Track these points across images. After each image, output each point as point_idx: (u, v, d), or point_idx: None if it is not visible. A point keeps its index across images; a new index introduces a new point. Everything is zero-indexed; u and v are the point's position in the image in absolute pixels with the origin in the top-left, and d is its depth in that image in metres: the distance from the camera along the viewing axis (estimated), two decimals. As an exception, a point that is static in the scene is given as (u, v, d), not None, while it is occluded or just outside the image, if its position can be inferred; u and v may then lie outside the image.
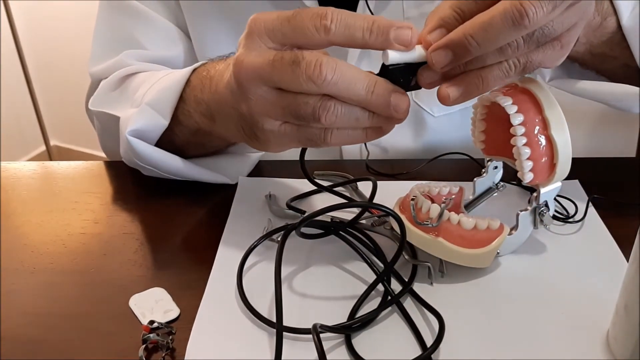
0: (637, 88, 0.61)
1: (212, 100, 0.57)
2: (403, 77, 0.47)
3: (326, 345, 0.47)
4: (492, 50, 0.44)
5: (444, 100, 0.47)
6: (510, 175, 0.61)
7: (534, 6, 0.42)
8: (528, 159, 0.50)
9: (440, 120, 0.79)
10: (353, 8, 0.72)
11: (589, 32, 0.59)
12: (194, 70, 0.62)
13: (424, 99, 0.77)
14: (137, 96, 0.66)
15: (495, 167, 0.61)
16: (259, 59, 0.46)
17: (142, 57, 0.74)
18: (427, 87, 0.48)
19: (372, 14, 0.70)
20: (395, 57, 0.46)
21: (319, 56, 0.45)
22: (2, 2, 2.07)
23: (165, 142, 0.65)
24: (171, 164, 0.65)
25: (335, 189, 0.64)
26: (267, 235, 0.57)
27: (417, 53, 0.46)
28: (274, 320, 0.47)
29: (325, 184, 0.66)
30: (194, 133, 0.63)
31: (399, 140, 0.79)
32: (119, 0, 0.75)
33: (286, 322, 0.47)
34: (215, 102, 0.56)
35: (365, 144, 0.75)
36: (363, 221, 0.58)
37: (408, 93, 0.48)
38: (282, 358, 0.45)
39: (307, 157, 0.80)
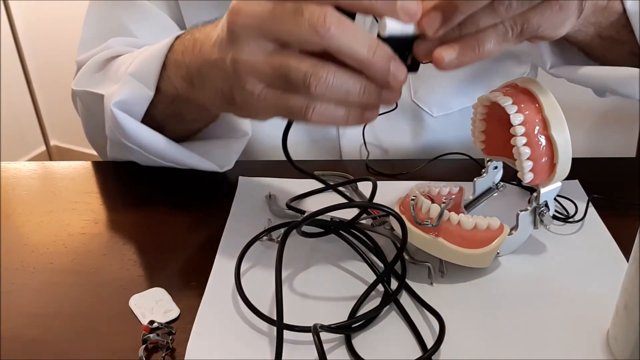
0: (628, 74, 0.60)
1: (193, 61, 0.54)
2: (398, 53, 0.45)
3: (326, 346, 0.47)
4: (483, 9, 0.43)
5: (437, 62, 0.45)
6: (510, 175, 0.61)
7: None
8: (528, 159, 0.50)
9: (440, 120, 0.79)
10: None
11: (597, 12, 0.58)
12: (178, 37, 0.60)
13: (423, 99, 0.77)
14: (121, 71, 0.63)
15: (495, 167, 0.61)
16: (259, 7, 0.44)
17: (131, 45, 0.72)
18: (424, 58, 0.46)
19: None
20: (393, 27, 0.44)
21: (323, 7, 0.42)
22: (2, 2, 2.07)
23: (146, 118, 0.63)
24: (156, 143, 0.63)
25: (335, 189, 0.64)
26: (267, 231, 0.57)
27: (413, 26, 0.45)
28: (274, 318, 0.47)
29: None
30: (172, 101, 0.61)
31: (399, 140, 0.79)
32: None
33: (286, 321, 0.47)
34: (196, 63, 0.53)
35: (365, 145, 0.75)
36: (363, 221, 0.58)
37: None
38: (283, 358, 0.45)
39: (307, 157, 0.81)
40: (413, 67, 0.47)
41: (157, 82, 0.60)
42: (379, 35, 0.45)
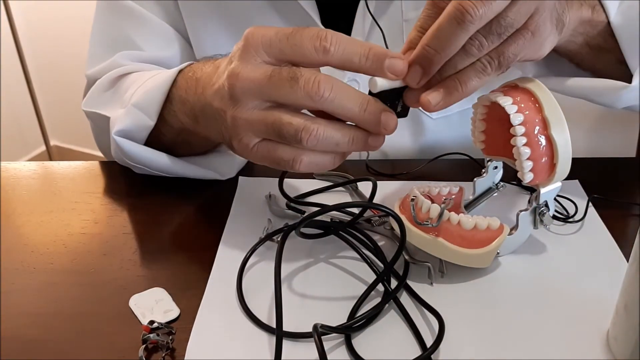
0: (619, 82, 0.62)
1: (196, 102, 0.57)
2: (389, 102, 0.49)
3: (326, 346, 0.47)
4: (454, 53, 0.46)
5: (425, 106, 0.48)
6: (510, 175, 0.61)
7: (473, 3, 0.44)
8: (528, 159, 0.50)
9: (439, 122, 0.79)
10: (353, 10, 0.72)
11: (584, 23, 0.60)
12: (180, 70, 0.62)
13: None
14: (126, 97, 0.66)
15: (495, 167, 0.61)
16: (256, 73, 0.47)
17: (137, 58, 0.75)
18: (413, 105, 0.50)
19: (372, 15, 0.70)
20: (382, 84, 0.48)
21: (316, 73, 0.46)
22: (2, 2, 2.07)
23: (154, 142, 0.66)
24: (159, 161, 0.66)
25: (335, 189, 0.64)
26: (267, 238, 0.57)
27: (398, 80, 0.49)
28: (274, 323, 0.47)
29: (325, 184, 0.66)
30: (179, 132, 0.64)
31: (398, 141, 0.79)
32: (115, 1, 0.75)
33: (286, 322, 0.47)
34: (200, 104, 0.56)
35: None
36: (363, 221, 0.58)
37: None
38: (283, 358, 0.45)
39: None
40: (403, 112, 0.51)
41: (163, 113, 0.63)
42: (370, 92, 0.49)
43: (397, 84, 0.49)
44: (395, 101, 0.50)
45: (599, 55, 0.64)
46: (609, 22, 0.62)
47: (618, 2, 0.62)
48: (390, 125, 0.48)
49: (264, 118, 0.48)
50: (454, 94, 0.48)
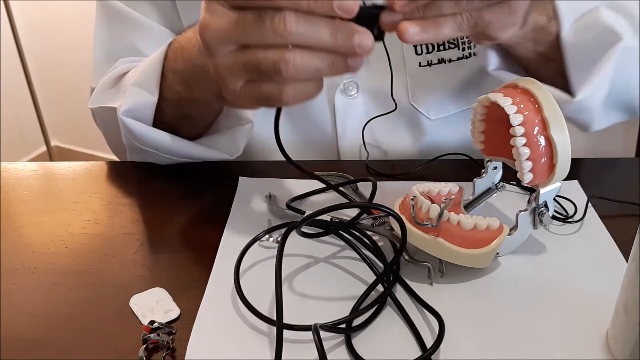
0: (563, 95, 0.65)
1: (185, 67, 0.60)
2: (364, 22, 0.48)
3: (326, 345, 0.47)
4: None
5: (401, 33, 0.49)
6: (510, 176, 0.61)
7: None
8: (527, 159, 0.51)
9: (437, 122, 0.79)
10: None
11: (536, 29, 0.62)
12: (169, 45, 0.65)
13: (421, 102, 0.77)
14: (126, 84, 0.69)
15: (495, 168, 0.61)
16: (223, 20, 0.48)
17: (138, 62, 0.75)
18: (389, 29, 0.50)
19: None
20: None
21: (281, 11, 0.46)
22: (2, 2, 2.07)
23: (159, 123, 0.68)
24: (167, 142, 0.68)
25: (335, 189, 0.65)
26: (267, 232, 0.57)
27: None
28: (274, 318, 0.47)
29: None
30: (178, 104, 0.66)
31: (397, 142, 0.80)
32: (112, 9, 0.76)
33: (286, 321, 0.47)
34: (188, 68, 0.60)
35: (364, 146, 0.75)
36: (363, 221, 0.58)
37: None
38: (283, 358, 0.45)
39: (306, 158, 0.81)
40: (379, 37, 0.50)
41: (162, 90, 0.65)
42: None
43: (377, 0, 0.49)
44: (372, 24, 0.49)
45: (544, 63, 0.67)
46: (558, 35, 0.64)
47: (573, 18, 0.64)
48: (366, 45, 0.48)
49: (240, 60, 0.49)
50: (429, 32, 0.49)
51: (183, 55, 0.61)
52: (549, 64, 0.67)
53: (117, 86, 0.73)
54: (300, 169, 0.61)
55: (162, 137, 0.68)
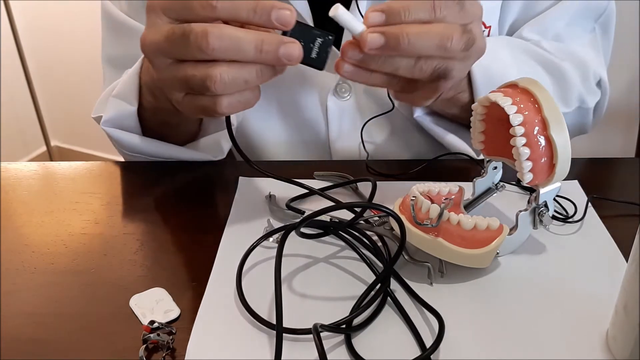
0: (471, 151, 0.72)
1: (149, 79, 0.64)
2: (302, 41, 0.50)
3: (326, 345, 0.47)
4: (409, 58, 0.52)
5: (336, 66, 0.53)
6: (510, 176, 0.61)
7: (456, 37, 0.51)
8: (527, 159, 0.51)
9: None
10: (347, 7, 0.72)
11: (445, 101, 0.68)
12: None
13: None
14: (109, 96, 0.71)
15: (495, 168, 0.61)
16: (157, 35, 0.50)
17: None
18: (343, 56, 0.53)
19: (361, 15, 0.70)
20: (342, 15, 0.50)
21: (205, 27, 0.48)
22: (2, 2, 2.07)
23: (148, 133, 0.71)
24: (149, 146, 0.70)
25: (335, 189, 0.64)
26: (266, 237, 0.57)
27: (359, 29, 0.51)
28: (274, 321, 0.47)
29: (325, 184, 0.67)
30: (154, 113, 0.68)
31: (398, 142, 0.80)
32: (115, 22, 0.77)
33: (286, 322, 0.47)
34: (150, 80, 0.63)
35: (364, 146, 0.75)
36: (362, 221, 0.58)
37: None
38: (283, 358, 0.45)
39: (306, 158, 0.81)
40: (318, 61, 0.52)
41: (141, 100, 0.67)
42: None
43: (352, 26, 0.50)
44: (311, 44, 0.51)
45: (462, 115, 0.72)
46: (467, 104, 0.69)
47: (490, 89, 0.66)
48: (293, 55, 0.50)
49: (175, 75, 0.51)
50: (361, 77, 0.53)
51: (148, 69, 0.63)
52: (457, 120, 0.74)
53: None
54: (255, 168, 0.63)
55: (145, 143, 0.70)
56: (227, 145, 0.73)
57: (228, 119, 0.58)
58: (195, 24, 0.48)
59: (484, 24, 0.74)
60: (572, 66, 0.74)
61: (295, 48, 0.50)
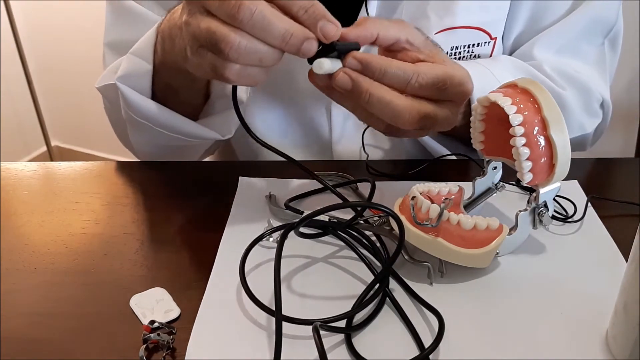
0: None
1: (166, 27, 0.61)
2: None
3: (326, 345, 0.47)
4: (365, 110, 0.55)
5: (334, 76, 0.54)
6: (510, 176, 0.61)
7: (410, 119, 0.54)
8: (527, 159, 0.51)
9: None
10: (355, 13, 0.72)
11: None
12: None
13: None
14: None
15: (495, 168, 0.61)
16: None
17: None
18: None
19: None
20: (327, 67, 0.53)
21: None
22: (2, 2, 2.07)
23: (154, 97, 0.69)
24: (160, 113, 0.68)
25: (335, 189, 0.64)
26: (268, 233, 0.57)
27: (337, 67, 0.54)
28: (273, 323, 0.47)
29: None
30: (159, 69, 0.66)
31: (398, 143, 0.80)
32: (121, 7, 0.76)
33: (286, 321, 0.47)
34: (168, 28, 0.61)
35: (363, 148, 0.75)
36: (362, 221, 0.58)
37: None
38: (283, 358, 0.45)
39: (305, 158, 0.81)
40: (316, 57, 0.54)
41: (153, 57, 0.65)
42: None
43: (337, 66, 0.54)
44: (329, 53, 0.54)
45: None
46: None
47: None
48: (311, 50, 0.51)
49: (199, 23, 0.51)
50: (352, 90, 0.54)
51: (171, 17, 0.61)
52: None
53: None
54: (290, 159, 0.62)
55: (158, 109, 0.68)
56: (235, 124, 0.72)
57: (235, 94, 0.58)
58: None
59: (489, 35, 0.74)
60: (574, 93, 0.74)
61: (313, 45, 0.51)
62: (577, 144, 0.78)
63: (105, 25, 0.79)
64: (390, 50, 0.57)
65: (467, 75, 0.58)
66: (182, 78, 0.65)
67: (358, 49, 0.54)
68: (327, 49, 0.53)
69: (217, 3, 0.50)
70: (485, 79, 0.66)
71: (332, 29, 0.51)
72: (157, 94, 0.69)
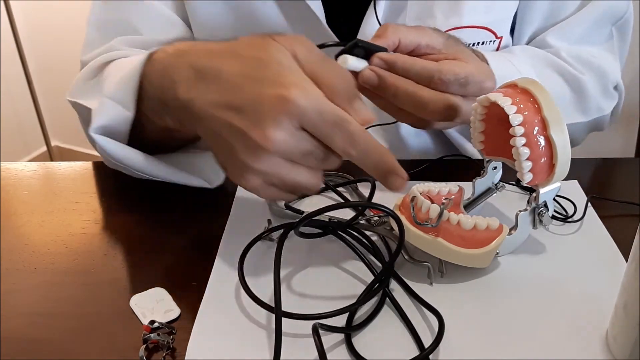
0: None
1: (185, 110, 0.50)
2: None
3: (326, 344, 0.47)
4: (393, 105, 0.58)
5: (361, 73, 0.57)
6: (510, 176, 0.61)
7: (438, 109, 0.57)
8: (527, 159, 0.51)
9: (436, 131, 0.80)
10: (360, 14, 0.72)
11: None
12: (150, 56, 0.57)
13: None
14: (104, 88, 0.62)
15: (495, 168, 0.61)
16: (291, 147, 0.46)
17: (135, 43, 0.72)
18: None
19: (379, 24, 0.70)
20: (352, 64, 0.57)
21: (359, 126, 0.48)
22: (2, 2, 2.07)
23: (141, 138, 0.62)
24: (140, 163, 0.62)
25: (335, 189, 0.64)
26: (268, 232, 0.57)
27: (362, 66, 0.57)
28: (273, 322, 0.47)
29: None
30: (163, 128, 0.58)
31: (398, 143, 0.80)
32: None
33: (285, 321, 0.47)
34: (190, 114, 0.49)
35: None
36: (362, 221, 0.58)
37: None
38: (282, 358, 0.45)
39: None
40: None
41: (143, 109, 0.58)
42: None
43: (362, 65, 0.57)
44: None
45: None
46: None
47: None
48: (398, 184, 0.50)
49: (283, 174, 0.47)
50: (378, 87, 0.57)
51: (175, 93, 0.50)
52: None
53: (97, 77, 0.68)
54: None
55: (138, 159, 0.61)
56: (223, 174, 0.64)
57: None
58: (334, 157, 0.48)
59: (495, 34, 0.75)
60: (592, 77, 0.75)
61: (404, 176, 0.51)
62: (596, 125, 0.79)
63: (92, 4, 0.76)
64: (412, 55, 0.58)
65: (487, 73, 0.59)
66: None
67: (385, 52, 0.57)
68: (353, 48, 0.55)
69: (309, 163, 0.48)
70: (507, 70, 0.67)
71: (399, 181, 0.49)
72: (151, 136, 0.62)
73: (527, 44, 0.80)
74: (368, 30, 0.72)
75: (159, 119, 0.56)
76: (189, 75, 0.49)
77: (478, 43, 0.74)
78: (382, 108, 0.60)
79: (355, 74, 0.56)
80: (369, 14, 0.71)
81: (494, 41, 0.75)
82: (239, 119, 0.45)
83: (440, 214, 0.51)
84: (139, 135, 0.62)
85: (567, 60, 0.75)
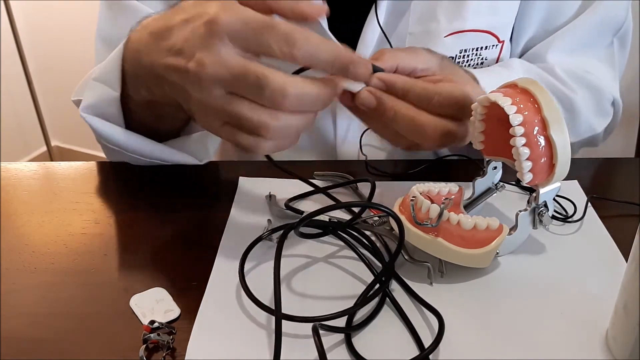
0: None
1: (150, 76, 0.55)
2: None
3: (326, 344, 0.47)
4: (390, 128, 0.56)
5: (357, 94, 0.55)
6: (510, 176, 0.61)
7: (433, 135, 0.55)
8: (527, 159, 0.51)
9: None
10: (362, 19, 0.72)
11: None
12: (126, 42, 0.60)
13: None
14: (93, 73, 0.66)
15: (495, 168, 0.61)
16: (222, 69, 0.47)
17: None
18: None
19: (381, 29, 0.70)
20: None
21: (284, 84, 0.47)
22: (2, 2, 2.07)
23: (136, 124, 0.66)
24: (131, 141, 0.65)
25: (336, 189, 0.64)
26: (268, 233, 0.57)
27: (358, 87, 0.55)
28: (273, 322, 0.47)
29: (324, 184, 0.67)
30: (145, 106, 0.62)
31: (399, 152, 0.80)
32: (119, 1, 0.75)
33: (285, 321, 0.47)
34: (152, 75, 0.54)
35: (361, 149, 0.75)
36: (362, 221, 0.58)
37: None
38: (282, 358, 0.45)
39: (305, 158, 0.81)
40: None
41: (126, 88, 0.61)
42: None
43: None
44: None
45: None
46: None
47: None
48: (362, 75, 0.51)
49: (225, 107, 0.48)
50: (375, 109, 0.55)
51: (142, 60, 0.54)
52: None
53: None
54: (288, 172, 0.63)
55: (128, 137, 0.65)
56: (213, 147, 0.70)
57: None
58: (272, 77, 0.46)
59: (497, 38, 0.75)
60: (585, 95, 0.75)
61: (366, 66, 0.52)
62: (588, 142, 0.79)
63: (99, 18, 0.77)
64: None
65: (480, 94, 0.59)
66: (175, 111, 0.60)
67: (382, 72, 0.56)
68: None
69: (249, 92, 0.47)
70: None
71: (362, 70, 0.50)
72: (140, 120, 0.65)
73: (524, 52, 0.80)
74: (369, 34, 0.72)
75: (137, 94, 0.60)
76: (148, 41, 0.53)
77: (481, 48, 0.74)
78: (377, 131, 0.59)
79: (352, 94, 0.55)
80: (371, 18, 0.71)
81: (497, 45, 0.75)
82: (180, 59, 0.49)
83: (440, 214, 0.51)
84: (136, 124, 0.65)
85: (560, 77, 0.75)
